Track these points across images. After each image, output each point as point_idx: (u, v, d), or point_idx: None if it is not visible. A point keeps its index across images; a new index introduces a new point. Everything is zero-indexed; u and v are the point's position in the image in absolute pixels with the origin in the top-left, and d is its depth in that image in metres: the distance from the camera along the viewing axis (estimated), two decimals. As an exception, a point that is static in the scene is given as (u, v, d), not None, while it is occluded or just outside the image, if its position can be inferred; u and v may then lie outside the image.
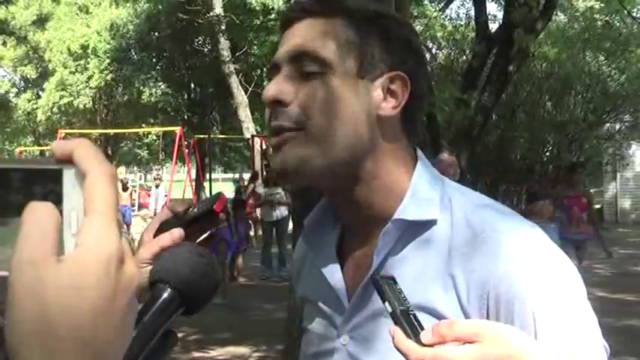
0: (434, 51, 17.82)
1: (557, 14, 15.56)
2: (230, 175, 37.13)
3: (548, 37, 15.62)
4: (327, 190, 1.12)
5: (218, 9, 16.68)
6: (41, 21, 30.41)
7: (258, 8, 17.71)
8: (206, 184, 22.57)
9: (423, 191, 1.06)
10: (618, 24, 16.69)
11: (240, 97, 16.92)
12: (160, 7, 24.52)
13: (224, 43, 17.42)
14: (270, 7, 17.30)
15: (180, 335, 0.77)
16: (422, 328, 0.80)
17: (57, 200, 0.50)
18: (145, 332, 0.70)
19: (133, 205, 19.87)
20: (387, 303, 0.82)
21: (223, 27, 17.02)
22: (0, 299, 0.48)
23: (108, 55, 26.37)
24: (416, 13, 14.81)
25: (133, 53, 27.34)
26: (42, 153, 27.00)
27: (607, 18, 16.26)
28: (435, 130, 7.83)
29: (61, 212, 0.50)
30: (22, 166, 0.51)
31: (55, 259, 0.47)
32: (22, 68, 32.88)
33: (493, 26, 9.73)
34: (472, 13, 12.82)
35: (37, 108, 30.33)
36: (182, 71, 26.92)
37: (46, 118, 29.71)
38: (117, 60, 26.43)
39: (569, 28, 17.78)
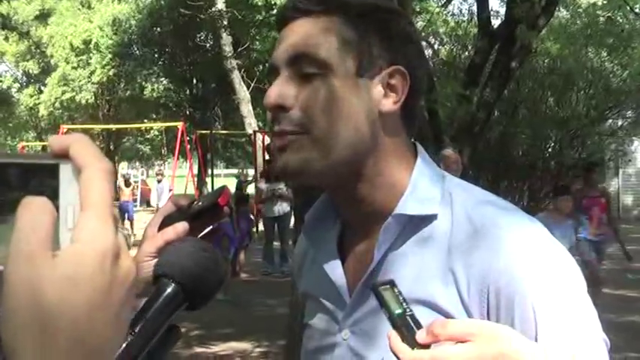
0: (436, 47, 17.77)
1: (559, 10, 15.50)
2: (232, 171, 37.11)
3: (550, 34, 15.56)
4: (328, 187, 1.13)
5: (220, 4, 16.63)
6: (43, 16, 30.41)
7: (260, 4, 17.67)
8: (208, 180, 22.57)
9: (423, 187, 1.06)
10: (621, 20, 16.61)
11: (243, 93, 16.88)
12: (162, 2, 24.47)
13: (226, 39, 17.37)
14: (273, 2, 17.25)
15: (181, 330, 0.78)
16: (419, 328, 0.81)
17: (53, 195, 0.50)
18: (149, 327, 0.70)
19: (135, 201, 19.89)
20: (384, 309, 0.84)
21: (225, 22, 16.98)
22: None
23: (110, 50, 26.34)
24: (418, 9, 14.77)
25: (136, 49, 27.30)
26: (44, 148, 26.97)
27: (610, 14, 16.19)
28: (437, 127, 7.81)
29: (57, 207, 0.49)
30: (19, 160, 0.50)
31: (50, 253, 0.47)
32: (24, 63, 32.89)
33: (495, 22, 9.70)
34: (474, 9, 12.81)
35: (39, 103, 30.33)
36: (184, 67, 26.86)
37: (49, 113, 29.72)
38: (119, 55, 26.40)
39: (571, 24, 17.70)
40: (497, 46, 8.48)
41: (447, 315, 0.97)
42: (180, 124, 21.75)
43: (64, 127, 23.18)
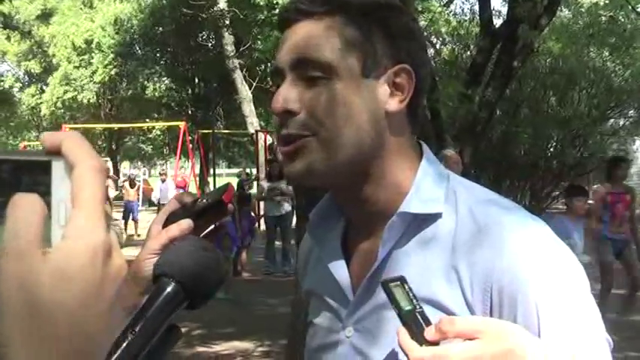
0: (438, 46, 17.76)
1: (561, 10, 15.52)
2: (234, 170, 37.15)
3: (552, 33, 15.54)
4: (333, 187, 1.13)
5: (222, 4, 16.64)
6: (45, 16, 30.45)
7: (262, 3, 17.65)
8: (210, 179, 22.58)
9: (428, 186, 1.07)
10: (623, 19, 16.61)
11: (245, 92, 16.91)
12: (164, 1, 24.48)
13: (228, 38, 17.40)
14: (275, 1, 17.23)
15: (183, 330, 0.77)
16: (429, 325, 0.82)
17: (45, 192, 0.49)
18: (149, 326, 0.70)
19: (138, 200, 19.90)
20: (393, 305, 0.85)
21: (227, 22, 16.98)
22: None
23: (112, 49, 26.37)
24: (420, 9, 14.76)
25: (137, 48, 27.33)
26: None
27: (611, 13, 16.19)
28: (439, 126, 7.80)
29: (49, 204, 0.49)
30: (11, 157, 0.50)
31: (40, 250, 0.47)
32: (26, 63, 32.93)
33: (497, 22, 9.68)
34: (476, 8, 12.78)
35: (41, 103, 30.38)
36: (186, 66, 26.90)
37: (50, 112, 29.74)
38: (121, 55, 26.43)
39: (573, 24, 17.71)
40: (499, 45, 8.47)
41: (451, 313, 0.97)
42: (182, 124, 21.75)
43: (66, 127, 23.18)
